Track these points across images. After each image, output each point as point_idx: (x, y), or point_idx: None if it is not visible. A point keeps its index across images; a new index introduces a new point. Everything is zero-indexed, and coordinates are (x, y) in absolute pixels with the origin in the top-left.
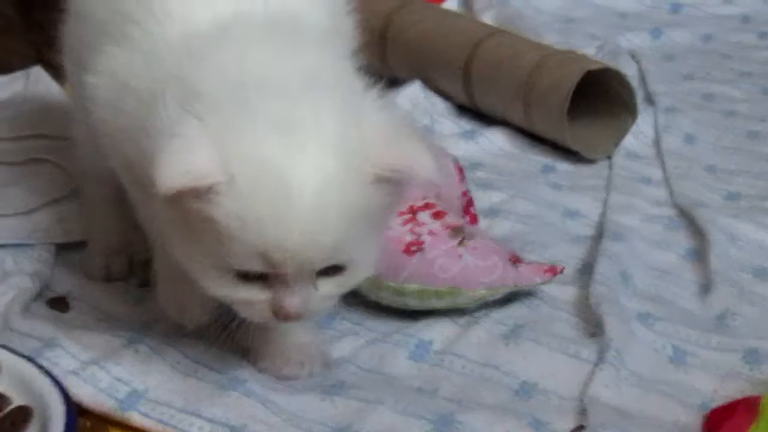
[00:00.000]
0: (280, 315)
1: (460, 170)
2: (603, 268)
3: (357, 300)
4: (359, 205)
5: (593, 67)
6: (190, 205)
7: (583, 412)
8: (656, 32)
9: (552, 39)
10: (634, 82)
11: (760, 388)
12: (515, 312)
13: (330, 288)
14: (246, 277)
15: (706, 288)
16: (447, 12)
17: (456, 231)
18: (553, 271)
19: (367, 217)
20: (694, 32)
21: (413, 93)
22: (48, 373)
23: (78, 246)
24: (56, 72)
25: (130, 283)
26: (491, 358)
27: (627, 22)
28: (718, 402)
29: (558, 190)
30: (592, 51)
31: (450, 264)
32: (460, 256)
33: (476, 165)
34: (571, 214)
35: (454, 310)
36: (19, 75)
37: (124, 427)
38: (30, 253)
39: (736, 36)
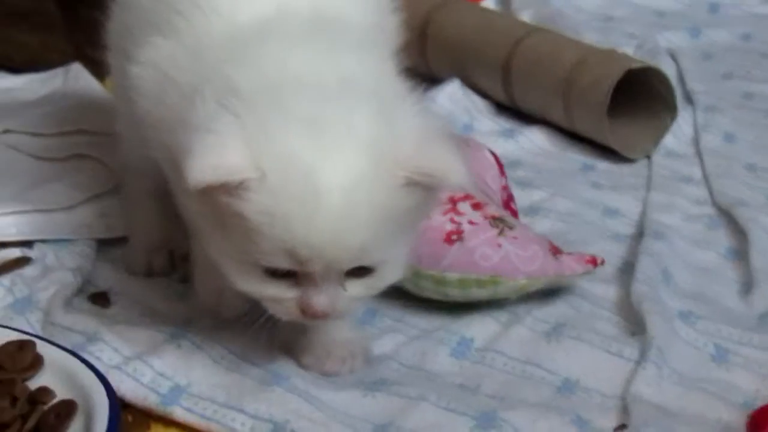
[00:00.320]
0: (308, 313)
1: (500, 165)
2: (644, 267)
3: (398, 296)
4: (388, 207)
5: (634, 65)
6: (220, 200)
7: (625, 410)
8: (695, 31)
9: (590, 38)
10: (673, 81)
11: None
12: (557, 310)
13: (358, 289)
14: (275, 274)
15: (747, 287)
16: (486, 10)
17: (496, 221)
18: (594, 261)
19: (397, 220)
20: (732, 31)
21: (452, 91)
22: (92, 367)
23: (119, 242)
24: (96, 69)
25: (171, 279)
26: (533, 355)
27: (665, 21)
28: (760, 401)
29: (598, 189)
30: (630, 50)
31: (490, 253)
32: (500, 246)
33: (516, 163)
34: (611, 212)
35: (495, 306)
36: (58, 71)
37: (167, 422)
38: (72, 248)
39: None
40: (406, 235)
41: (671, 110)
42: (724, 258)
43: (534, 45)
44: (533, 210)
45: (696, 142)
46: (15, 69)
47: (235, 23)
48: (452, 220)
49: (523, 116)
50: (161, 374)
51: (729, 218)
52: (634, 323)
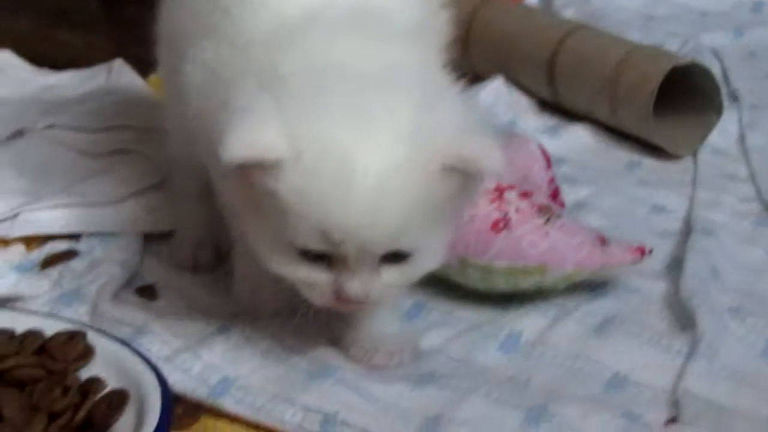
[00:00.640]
0: (341, 298)
1: (547, 158)
2: (693, 263)
3: (445, 290)
4: (424, 193)
5: (679, 62)
6: (255, 179)
7: (675, 404)
8: (738, 31)
9: (633, 37)
10: (718, 79)
11: None
12: (605, 305)
13: (393, 276)
14: (309, 256)
15: None
16: (530, 8)
17: (543, 209)
18: (642, 251)
19: (434, 207)
20: None
21: (496, 88)
22: (143, 357)
23: (166, 236)
24: (139, 66)
25: (217, 273)
26: (582, 350)
27: (708, 20)
28: None
29: (644, 186)
30: (673, 49)
31: (538, 241)
32: (548, 234)
33: (560, 161)
34: (658, 209)
35: (543, 301)
36: (101, 68)
37: (216, 414)
38: (119, 242)
39: None
40: (444, 223)
41: (717, 108)
42: None
43: (578, 43)
44: (579, 206)
45: (741, 140)
46: (57, 67)
47: (282, 16)
48: (499, 209)
49: (566, 114)
50: (210, 366)
51: None
52: (683, 318)
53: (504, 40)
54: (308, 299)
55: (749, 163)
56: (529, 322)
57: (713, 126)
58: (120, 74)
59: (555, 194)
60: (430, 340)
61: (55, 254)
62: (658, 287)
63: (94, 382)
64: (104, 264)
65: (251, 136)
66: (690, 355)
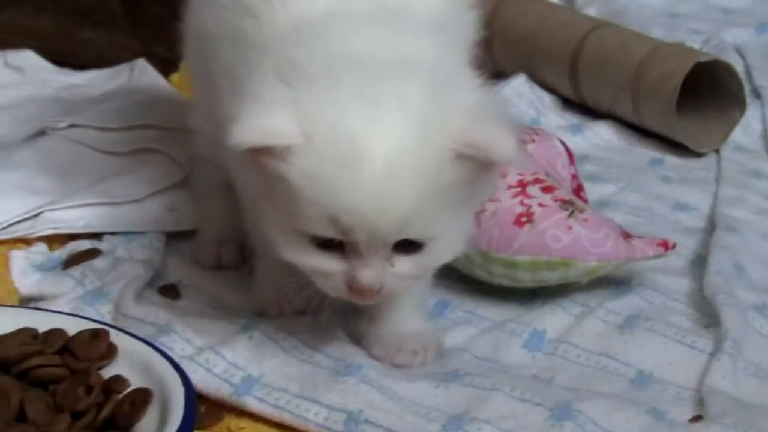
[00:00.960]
0: (354, 288)
1: (570, 154)
2: (717, 260)
3: (469, 288)
4: (435, 179)
5: (703, 59)
6: (266, 164)
7: (700, 402)
8: (761, 27)
9: (656, 34)
10: (741, 76)
11: None
12: (629, 302)
13: (407, 266)
14: (322, 245)
15: None
16: (553, 5)
17: (566, 203)
18: (666, 245)
19: (446, 195)
20: None
21: (519, 86)
22: (166, 356)
23: (188, 235)
24: (161, 65)
25: (240, 272)
26: (606, 347)
27: (731, 17)
28: None
29: (667, 183)
30: (696, 46)
31: (561, 235)
32: (571, 228)
33: (584, 158)
34: (681, 206)
35: (567, 298)
36: (123, 67)
37: (239, 413)
38: (141, 241)
39: None
40: (458, 213)
41: (740, 104)
42: None
43: (601, 39)
44: (603, 204)
45: (765, 137)
46: (79, 66)
47: (303, 12)
48: (522, 203)
49: (589, 111)
50: (234, 365)
51: None
52: (707, 315)
53: (526, 37)
54: (322, 289)
55: None
56: (553, 320)
57: (736, 123)
58: (142, 73)
59: (578, 190)
60: (454, 338)
61: (77, 253)
62: (682, 284)
63: (118, 381)
64: (127, 263)
65: (261, 121)
66: (714, 353)
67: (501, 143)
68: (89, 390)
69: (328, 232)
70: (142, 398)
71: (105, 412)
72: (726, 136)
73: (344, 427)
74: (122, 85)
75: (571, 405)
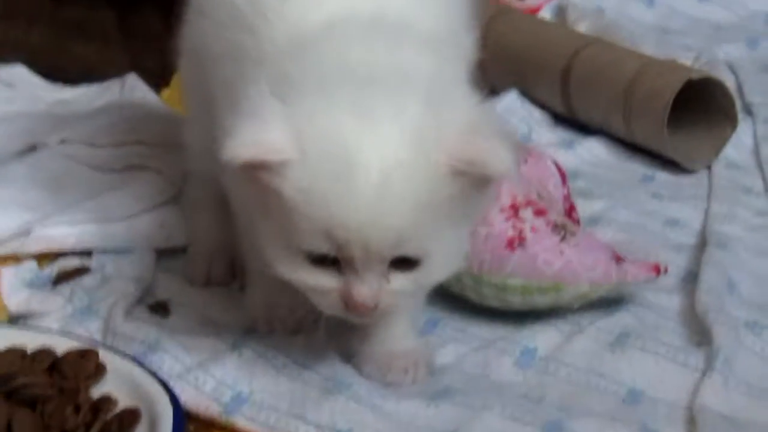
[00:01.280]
0: (350, 305)
1: (563, 174)
2: (708, 276)
3: (460, 306)
4: (430, 194)
5: (694, 75)
6: (260, 178)
7: (692, 420)
8: (752, 43)
9: (647, 50)
10: (732, 92)
11: None
12: (620, 320)
13: (403, 283)
14: (318, 262)
15: None
16: (544, 22)
17: (558, 227)
18: (657, 269)
19: (442, 210)
20: None
21: (510, 102)
22: (155, 375)
23: (178, 252)
24: (152, 80)
25: (231, 288)
26: (597, 365)
27: (722, 33)
28: None
29: (659, 200)
30: (688, 62)
31: (553, 259)
32: (563, 252)
33: (575, 174)
34: (673, 223)
35: (558, 316)
36: (113, 83)
37: None
38: (131, 258)
39: None
40: (455, 229)
41: (731, 121)
42: None
43: (593, 55)
44: (594, 220)
45: (756, 153)
46: (70, 80)
47: (300, 26)
48: (514, 227)
49: (581, 127)
50: (223, 383)
51: None
52: (699, 333)
53: (518, 52)
54: (318, 307)
55: (764, 177)
56: (543, 337)
57: (728, 139)
58: (133, 89)
59: (570, 210)
60: (445, 356)
61: (67, 271)
62: (673, 302)
63: (106, 401)
64: (116, 280)
65: (256, 136)
66: (706, 370)
67: (497, 159)
68: (77, 409)
69: (323, 248)
70: (130, 418)
71: None
72: (717, 152)
73: None
74: (113, 100)
75: (562, 423)
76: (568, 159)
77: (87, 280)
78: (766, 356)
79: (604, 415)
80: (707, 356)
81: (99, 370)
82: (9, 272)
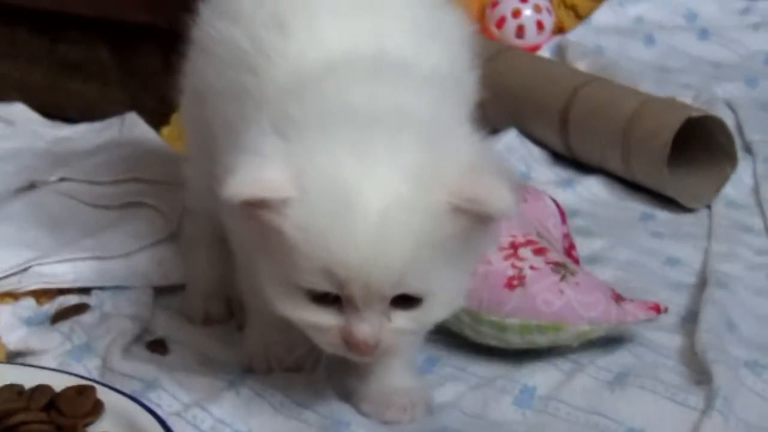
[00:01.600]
0: (350, 343)
1: (562, 213)
2: (708, 316)
3: (459, 344)
4: (430, 232)
5: (694, 114)
6: (260, 216)
7: None
8: (752, 82)
9: (646, 88)
10: (732, 131)
11: None
12: (620, 359)
13: (404, 321)
14: (318, 300)
15: None
16: (543, 59)
17: (558, 266)
18: (657, 308)
19: (443, 249)
20: None
21: (509, 140)
22: (153, 413)
23: (176, 290)
24: (151, 118)
25: (229, 326)
26: (597, 404)
27: (721, 71)
28: None
29: (658, 238)
30: (687, 100)
31: (552, 299)
32: (562, 292)
33: (574, 213)
34: (672, 261)
35: (557, 355)
36: (113, 121)
37: None
38: (129, 296)
39: None
40: (456, 268)
41: (731, 159)
42: None
43: (592, 94)
44: (593, 259)
45: (756, 192)
46: (70, 119)
47: (302, 66)
48: (513, 266)
49: (580, 166)
50: (221, 421)
51: None
52: (698, 372)
53: (517, 91)
54: (318, 345)
55: (764, 216)
56: (543, 376)
57: (728, 178)
58: (132, 127)
59: (570, 249)
60: (444, 394)
61: (65, 308)
62: (673, 341)
63: None
64: (115, 318)
65: (256, 174)
66: (706, 410)
67: (497, 196)
68: None
69: (323, 286)
70: None
71: None
72: (717, 191)
73: None
74: (113, 138)
75: None
76: (567, 198)
77: (86, 318)
78: (766, 396)
79: None
80: (707, 396)
81: (97, 407)
82: (7, 310)
